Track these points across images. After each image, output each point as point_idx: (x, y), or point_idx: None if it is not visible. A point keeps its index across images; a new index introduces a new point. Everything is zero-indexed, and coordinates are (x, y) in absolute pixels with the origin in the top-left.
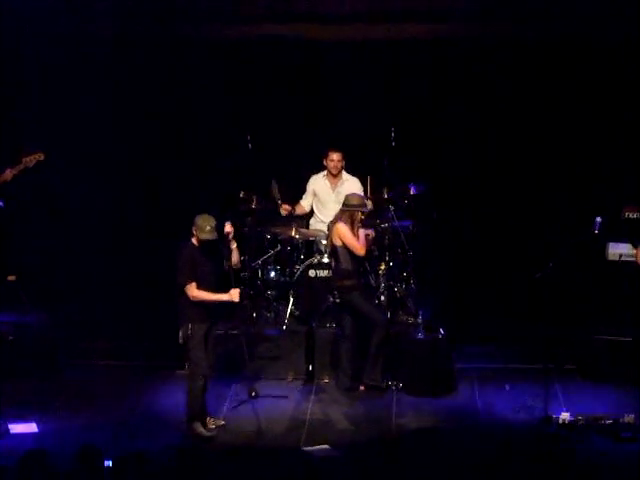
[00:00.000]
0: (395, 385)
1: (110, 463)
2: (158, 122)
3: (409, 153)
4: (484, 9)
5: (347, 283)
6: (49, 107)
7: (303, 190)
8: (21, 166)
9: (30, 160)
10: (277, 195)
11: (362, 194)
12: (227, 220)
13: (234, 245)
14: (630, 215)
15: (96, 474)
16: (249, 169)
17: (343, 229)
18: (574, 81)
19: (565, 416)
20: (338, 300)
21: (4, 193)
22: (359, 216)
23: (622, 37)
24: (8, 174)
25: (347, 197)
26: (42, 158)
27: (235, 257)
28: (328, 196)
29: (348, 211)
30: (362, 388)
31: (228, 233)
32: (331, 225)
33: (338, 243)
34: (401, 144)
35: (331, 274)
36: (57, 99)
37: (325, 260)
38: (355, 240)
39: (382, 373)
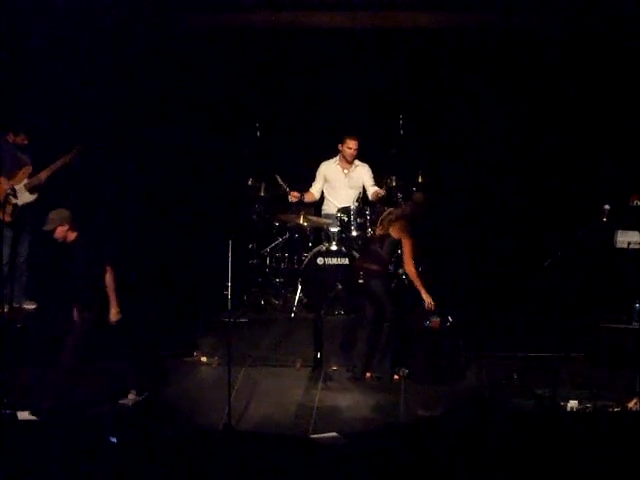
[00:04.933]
0: (403, 372)
1: (115, 440)
2: (164, 112)
3: (417, 142)
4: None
5: (374, 267)
6: (55, 100)
7: (311, 177)
8: (54, 166)
9: (64, 160)
10: (283, 185)
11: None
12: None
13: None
14: (638, 203)
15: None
16: (257, 157)
17: (409, 231)
18: (582, 68)
19: (573, 404)
20: (361, 281)
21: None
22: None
23: (628, 26)
24: (42, 175)
25: (416, 195)
26: (81, 150)
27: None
28: (340, 181)
29: (415, 208)
30: (368, 375)
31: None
32: (395, 213)
33: (395, 236)
34: (409, 133)
35: (361, 254)
36: (63, 89)
37: (333, 248)
38: (412, 252)
39: (390, 366)
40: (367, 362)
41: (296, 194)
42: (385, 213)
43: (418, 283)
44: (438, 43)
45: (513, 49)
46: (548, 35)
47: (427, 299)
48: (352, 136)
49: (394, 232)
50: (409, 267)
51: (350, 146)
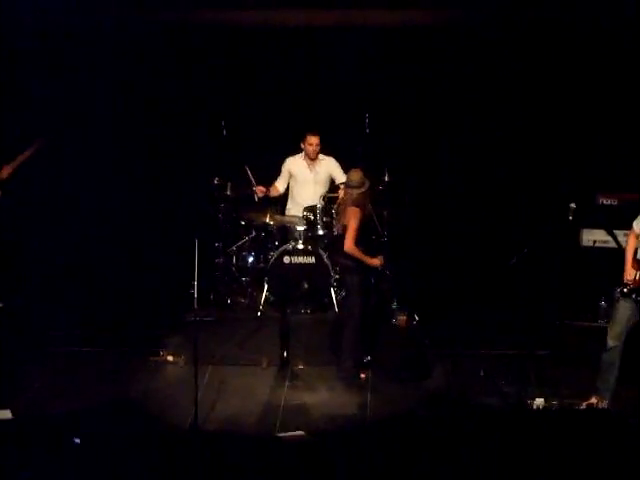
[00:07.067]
0: (369, 365)
1: (78, 440)
2: (130, 110)
3: (384, 140)
4: None
5: (345, 262)
6: (48, 98)
7: (278, 173)
8: (16, 162)
9: (25, 155)
10: (251, 179)
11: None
12: None
13: None
14: (604, 201)
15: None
16: (224, 155)
17: (356, 216)
18: (550, 67)
19: (539, 402)
20: (337, 276)
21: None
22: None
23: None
24: (3, 172)
25: (351, 178)
26: (42, 144)
27: None
28: (306, 176)
29: (363, 194)
30: (363, 376)
31: None
32: (343, 206)
33: (347, 223)
34: (376, 130)
35: (334, 250)
36: (53, 88)
37: (300, 246)
38: (355, 233)
39: (354, 365)
40: (359, 356)
41: (262, 188)
42: (338, 205)
43: (361, 255)
44: (405, 41)
45: (480, 46)
46: (515, 33)
47: (376, 261)
48: (313, 132)
49: (346, 220)
50: (349, 246)
51: (311, 142)
